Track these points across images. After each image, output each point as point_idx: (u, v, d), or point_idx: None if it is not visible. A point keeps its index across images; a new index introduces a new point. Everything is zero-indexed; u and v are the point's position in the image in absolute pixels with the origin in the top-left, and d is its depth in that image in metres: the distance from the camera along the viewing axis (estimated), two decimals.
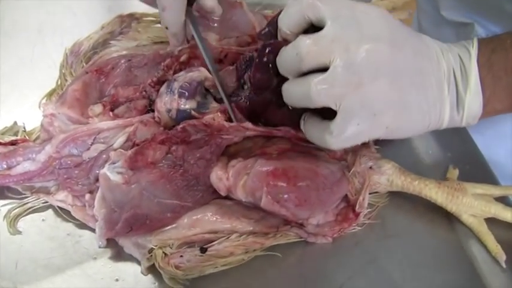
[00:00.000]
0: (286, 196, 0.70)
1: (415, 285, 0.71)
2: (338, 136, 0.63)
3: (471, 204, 0.75)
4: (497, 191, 0.77)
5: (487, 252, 0.74)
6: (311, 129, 0.67)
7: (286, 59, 0.64)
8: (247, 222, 0.73)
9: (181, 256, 0.71)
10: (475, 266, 0.73)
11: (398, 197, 0.78)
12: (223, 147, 0.75)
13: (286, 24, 0.64)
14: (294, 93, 0.64)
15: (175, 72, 0.80)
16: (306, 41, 0.61)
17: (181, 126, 0.72)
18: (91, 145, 0.75)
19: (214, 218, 0.73)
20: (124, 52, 0.87)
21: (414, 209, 0.78)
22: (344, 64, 0.60)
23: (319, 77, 0.61)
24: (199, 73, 0.76)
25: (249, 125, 0.71)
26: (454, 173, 0.81)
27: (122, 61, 0.84)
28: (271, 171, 0.70)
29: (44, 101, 0.86)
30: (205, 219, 0.73)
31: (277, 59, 0.65)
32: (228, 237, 0.72)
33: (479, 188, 0.77)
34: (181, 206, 0.73)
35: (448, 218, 0.77)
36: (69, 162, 0.75)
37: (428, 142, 0.86)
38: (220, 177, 0.73)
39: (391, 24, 0.64)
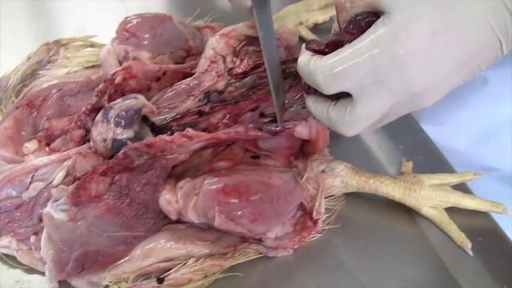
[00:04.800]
0: (240, 213, 0.67)
1: (385, 285, 0.70)
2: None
3: (429, 196, 0.74)
4: (454, 179, 0.76)
5: (451, 241, 0.73)
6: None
7: None
8: (203, 245, 0.71)
9: None
10: (441, 257, 0.72)
11: (355, 197, 0.77)
12: (169, 168, 0.73)
13: None
14: None
15: (110, 97, 0.77)
16: None
17: (122, 152, 0.69)
18: (30, 184, 0.73)
19: (169, 245, 0.70)
20: (55, 81, 0.85)
21: (373, 208, 0.77)
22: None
23: None
24: (136, 101, 0.73)
25: (191, 132, 0.68)
26: (408, 165, 0.79)
27: (53, 91, 0.81)
28: (221, 189, 0.68)
29: None
30: (159, 248, 0.70)
31: None
32: (184, 263, 0.70)
33: (435, 178, 0.76)
34: (133, 237, 0.70)
35: (409, 212, 0.76)
36: (8, 204, 0.72)
37: (378, 137, 0.84)
38: (169, 200, 0.70)
39: None
